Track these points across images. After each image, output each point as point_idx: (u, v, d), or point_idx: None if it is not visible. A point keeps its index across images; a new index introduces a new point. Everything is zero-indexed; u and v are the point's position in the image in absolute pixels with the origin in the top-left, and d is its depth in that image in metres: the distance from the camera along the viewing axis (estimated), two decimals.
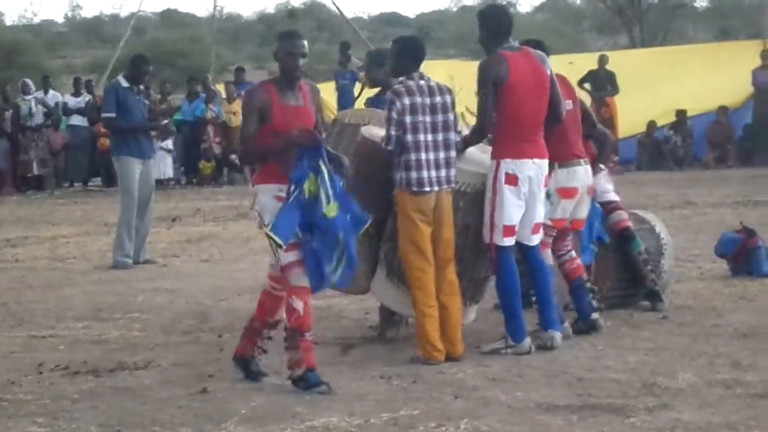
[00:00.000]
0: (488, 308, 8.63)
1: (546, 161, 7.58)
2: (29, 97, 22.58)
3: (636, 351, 7.51)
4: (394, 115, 7.32)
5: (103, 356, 7.83)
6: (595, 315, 8.13)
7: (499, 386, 6.69)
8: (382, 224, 7.72)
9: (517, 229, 7.49)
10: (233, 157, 22.42)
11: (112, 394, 6.81)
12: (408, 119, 7.32)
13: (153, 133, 12.81)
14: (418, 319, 7.41)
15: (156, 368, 7.45)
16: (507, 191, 7.40)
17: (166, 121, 14.66)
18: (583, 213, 8.21)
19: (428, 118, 7.36)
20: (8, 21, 68.88)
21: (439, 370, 7.08)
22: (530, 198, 7.51)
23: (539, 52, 7.67)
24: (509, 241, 7.49)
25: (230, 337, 8.34)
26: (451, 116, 7.45)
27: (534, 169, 7.48)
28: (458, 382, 6.82)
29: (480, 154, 7.75)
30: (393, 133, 7.33)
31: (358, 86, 23.45)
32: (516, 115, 7.42)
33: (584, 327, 8.06)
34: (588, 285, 8.27)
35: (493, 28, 7.60)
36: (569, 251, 8.19)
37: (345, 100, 22.85)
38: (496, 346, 7.57)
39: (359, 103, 22.24)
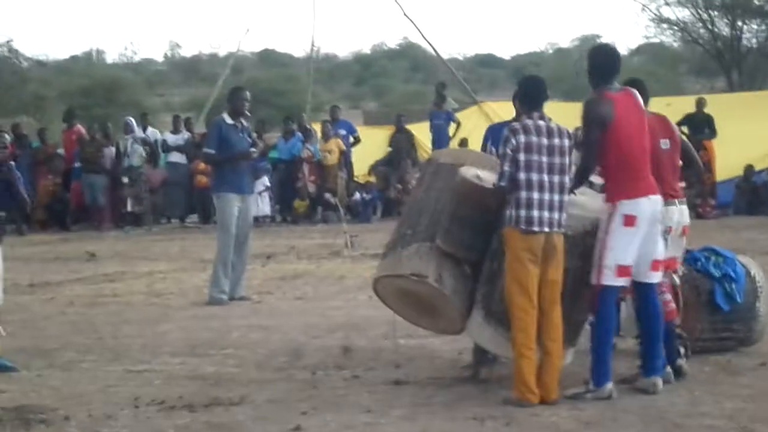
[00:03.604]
0: (584, 350, 8.56)
1: (659, 197, 7.54)
2: (128, 136, 22.96)
3: (733, 398, 7.38)
4: (509, 151, 7.32)
5: (198, 391, 7.90)
6: (680, 361, 8.03)
7: (594, 430, 6.62)
8: (478, 266, 7.70)
9: (632, 269, 7.44)
10: (327, 195, 22.56)
11: (207, 430, 6.87)
12: (522, 157, 7.30)
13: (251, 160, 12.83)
14: (516, 360, 7.34)
15: (250, 404, 7.50)
16: (623, 232, 7.35)
17: (261, 145, 14.48)
18: (677, 252, 8.15)
19: (544, 159, 7.33)
20: (109, 59, 70.76)
21: (533, 413, 7.02)
22: (647, 234, 7.45)
23: (636, 91, 7.66)
24: (623, 282, 7.43)
25: (323, 374, 8.38)
26: (567, 160, 7.41)
27: (649, 205, 7.44)
28: (552, 426, 6.76)
29: (580, 197, 7.70)
30: (507, 169, 7.32)
31: (452, 126, 23.53)
32: (626, 154, 7.42)
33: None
34: (678, 331, 8.19)
35: (599, 67, 7.62)
36: (663, 293, 8.10)
37: (439, 140, 22.91)
38: (577, 391, 7.50)
39: (453, 143, 22.32)
